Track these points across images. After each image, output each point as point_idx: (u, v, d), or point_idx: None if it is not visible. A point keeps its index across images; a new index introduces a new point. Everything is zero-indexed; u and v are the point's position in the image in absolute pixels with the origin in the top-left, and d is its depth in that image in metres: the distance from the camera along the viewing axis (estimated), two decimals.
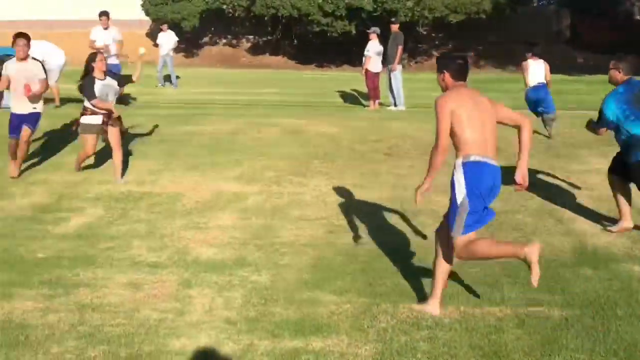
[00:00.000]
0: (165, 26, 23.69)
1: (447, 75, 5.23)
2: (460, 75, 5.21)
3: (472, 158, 4.83)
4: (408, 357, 4.49)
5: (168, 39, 22.62)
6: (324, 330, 4.81)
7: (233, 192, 8.78)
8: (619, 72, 7.01)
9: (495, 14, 32.64)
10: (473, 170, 4.82)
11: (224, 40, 36.42)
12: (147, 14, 33.99)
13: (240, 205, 8.24)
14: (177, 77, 22.46)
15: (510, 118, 5.21)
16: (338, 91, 20.93)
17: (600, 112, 7.01)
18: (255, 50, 35.92)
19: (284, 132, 12.35)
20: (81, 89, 9.19)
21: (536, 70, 12.02)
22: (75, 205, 8.19)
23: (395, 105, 16.21)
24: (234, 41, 36.57)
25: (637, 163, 6.79)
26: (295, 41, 34.74)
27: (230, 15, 34.06)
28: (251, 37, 36.65)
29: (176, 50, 24.43)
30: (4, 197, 8.47)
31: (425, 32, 35.17)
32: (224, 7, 33.57)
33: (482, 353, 4.51)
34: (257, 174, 9.62)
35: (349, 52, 30.54)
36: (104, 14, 15.91)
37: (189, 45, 33.72)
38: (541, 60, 12.13)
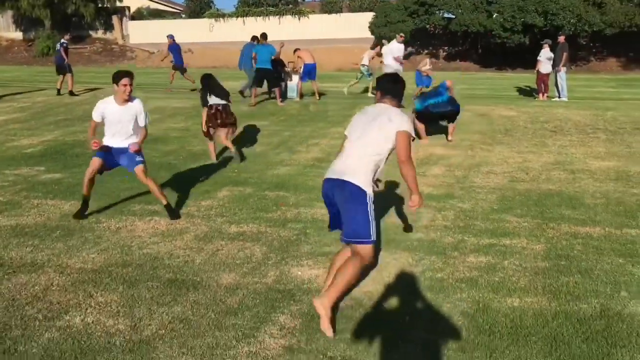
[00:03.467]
0: (384, 41, 24.49)
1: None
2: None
3: None
4: (567, 250, 4.99)
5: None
6: (509, 235, 5.39)
7: (440, 154, 9.24)
8: None
9: None
10: None
11: (426, 50, 36.50)
12: (372, 32, 34.91)
13: (446, 162, 8.71)
14: None
15: None
16: (515, 87, 20.61)
17: None
18: (448, 57, 35.65)
19: (475, 115, 12.61)
20: None
21: None
22: None
23: (559, 97, 15.86)
24: (434, 50, 36.55)
25: None
26: (480, 50, 34.10)
27: (431, 32, 34.19)
28: (446, 47, 36.44)
29: None
30: (295, 152, 9.55)
31: (584, 42, 32.94)
32: (427, 26, 33.76)
33: None
34: (457, 143, 10.00)
35: (522, 58, 29.56)
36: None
37: None
38: None
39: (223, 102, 8.81)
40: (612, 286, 4.16)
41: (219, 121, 8.80)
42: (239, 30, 37.77)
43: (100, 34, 41.61)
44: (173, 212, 6.00)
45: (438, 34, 34.56)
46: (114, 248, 5.08)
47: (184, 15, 46.63)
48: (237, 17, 39.96)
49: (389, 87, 4.00)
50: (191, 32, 38.88)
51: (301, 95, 15.90)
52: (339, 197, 3.72)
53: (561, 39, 16.01)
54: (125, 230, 5.59)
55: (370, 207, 3.65)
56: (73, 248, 5.07)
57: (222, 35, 39.49)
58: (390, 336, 3.54)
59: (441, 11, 33.53)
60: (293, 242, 5.27)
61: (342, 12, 40.35)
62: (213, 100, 8.76)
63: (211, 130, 8.82)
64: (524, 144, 9.89)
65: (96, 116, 5.81)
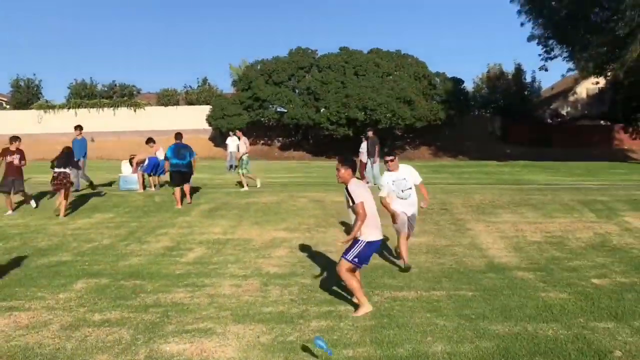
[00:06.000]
0: (231, 133, 26.07)
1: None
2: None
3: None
4: (389, 311, 6.12)
5: (233, 141, 25.06)
6: (344, 302, 6.41)
7: (283, 238, 10.23)
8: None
9: (447, 120, 34.80)
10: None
11: (262, 141, 38.56)
12: (210, 124, 36.33)
13: (288, 245, 9.72)
14: (236, 166, 24.69)
15: None
16: None
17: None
18: (283, 147, 37.96)
19: (310, 201, 13.83)
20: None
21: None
22: (189, 247, 9.64)
23: (374, 183, 17.89)
24: (269, 141, 38.71)
25: None
26: (311, 141, 36.86)
27: (266, 124, 36.41)
28: (280, 138, 38.78)
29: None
30: (145, 243, 10.09)
31: (399, 133, 37.28)
32: (262, 119, 35.92)
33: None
34: (296, 227, 11.09)
35: (348, 148, 32.54)
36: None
37: None
38: None
39: (61, 170, 12.44)
40: (421, 334, 5.33)
41: (55, 183, 12.41)
42: (71, 122, 36.83)
43: None
44: None
45: (273, 126, 36.84)
46: None
47: (8, 106, 44.24)
48: (69, 108, 39.03)
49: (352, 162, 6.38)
50: (18, 123, 37.14)
51: (144, 187, 16.21)
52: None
53: (370, 134, 18.05)
54: None
55: None
56: None
57: (52, 127, 38.12)
58: None
59: (274, 106, 36.09)
60: (157, 324, 5.79)
61: (178, 104, 41.39)
62: (56, 168, 12.47)
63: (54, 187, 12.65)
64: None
65: None
